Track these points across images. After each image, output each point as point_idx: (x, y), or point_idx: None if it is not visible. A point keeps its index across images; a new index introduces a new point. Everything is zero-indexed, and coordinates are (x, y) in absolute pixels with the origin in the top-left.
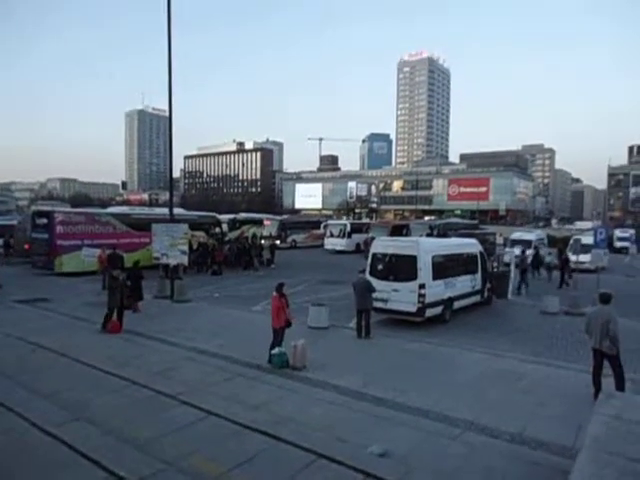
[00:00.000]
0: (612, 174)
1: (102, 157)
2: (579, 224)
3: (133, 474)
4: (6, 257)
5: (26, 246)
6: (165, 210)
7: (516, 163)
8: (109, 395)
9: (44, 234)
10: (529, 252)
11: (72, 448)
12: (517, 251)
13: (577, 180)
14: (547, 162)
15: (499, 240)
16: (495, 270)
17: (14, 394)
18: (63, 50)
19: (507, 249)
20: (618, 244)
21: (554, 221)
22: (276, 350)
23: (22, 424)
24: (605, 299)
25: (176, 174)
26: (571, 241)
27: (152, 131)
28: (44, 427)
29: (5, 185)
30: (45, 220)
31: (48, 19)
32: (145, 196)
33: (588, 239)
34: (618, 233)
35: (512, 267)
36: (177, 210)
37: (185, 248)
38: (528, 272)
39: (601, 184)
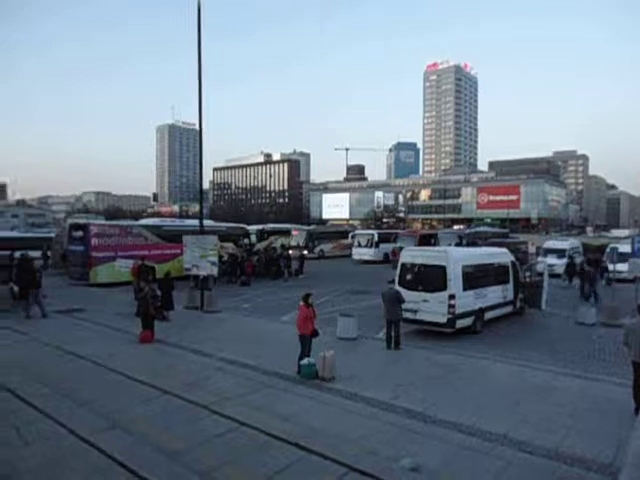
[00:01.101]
0: None
1: (134, 170)
2: (615, 232)
3: None
4: (44, 269)
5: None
6: (195, 222)
7: (547, 170)
8: (143, 404)
9: (80, 246)
10: (564, 261)
11: (109, 456)
12: (551, 260)
13: (612, 186)
14: (580, 168)
15: (531, 249)
16: (528, 280)
17: (52, 402)
18: (96, 64)
19: (540, 258)
20: None
21: (589, 229)
22: (305, 361)
23: (60, 431)
24: None
25: (205, 186)
26: (607, 249)
27: (182, 144)
28: (81, 435)
29: (43, 199)
30: (81, 233)
31: (76, 33)
32: (175, 208)
33: (625, 247)
34: None
35: (545, 277)
36: (206, 222)
37: (215, 259)
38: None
39: (638, 190)
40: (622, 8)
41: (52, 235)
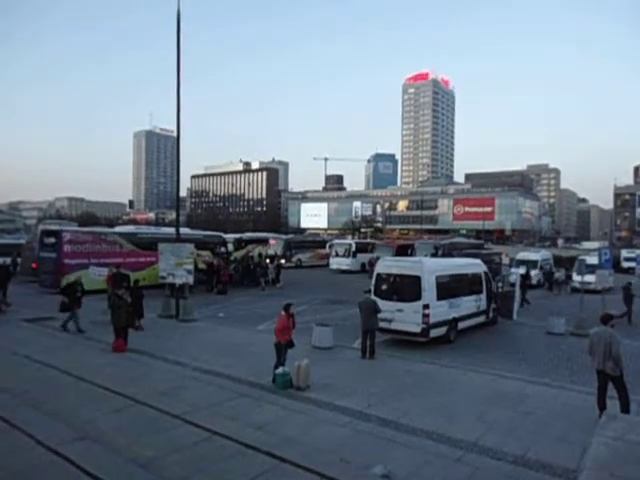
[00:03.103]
0: (618, 194)
1: (109, 176)
2: (586, 244)
3: None
4: (14, 276)
5: (33, 265)
6: (171, 229)
7: (521, 183)
8: (114, 414)
9: (52, 253)
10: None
11: (77, 466)
12: (522, 271)
13: (583, 200)
14: (552, 182)
15: (505, 260)
16: (500, 290)
17: (20, 412)
18: (72, 69)
19: (513, 269)
20: (625, 264)
21: (560, 241)
22: (280, 370)
23: (28, 442)
24: (605, 320)
25: (182, 193)
26: (576, 261)
27: (159, 151)
28: (50, 445)
29: (14, 204)
30: (53, 239)
31: (57, 37)
32: (152, 215)
33: (593, 259)
34: (625, 253)
35: (517, 287)
36: (183, 229)
37: (191, 267)
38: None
39: (608, 204)
40: (594, 27)
41: (22, 241)
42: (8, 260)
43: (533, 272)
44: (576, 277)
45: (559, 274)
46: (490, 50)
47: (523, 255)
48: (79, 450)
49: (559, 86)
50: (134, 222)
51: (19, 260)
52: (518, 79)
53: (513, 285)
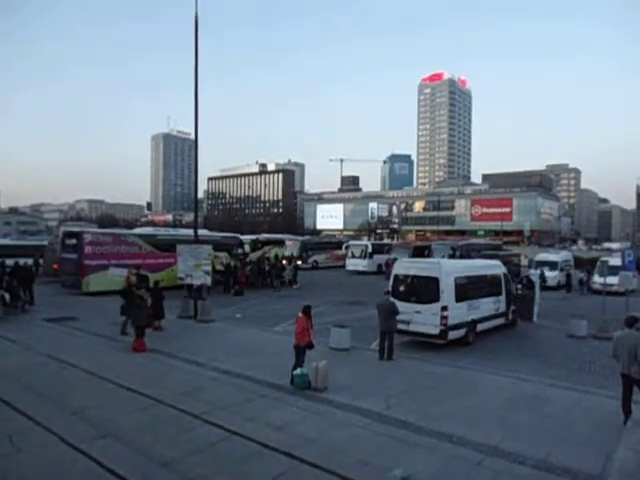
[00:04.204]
0: None
1: (128, 179)
2: (608, 245)
3: None
4: (36, 276)
5: (55, 266)
6: (189, 231)
7: (540, 183)
8: (135, 413)
9: (73, 254)
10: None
11: (100, 464)
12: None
13: (604, 200)
14: (572, 182)
15: (524, 261)
16: (519, 292)
17: (43, 410)
18: (91, 73)
19: (532, 271)
20: None
21: (580, 242)
22: (298, 371)
23: (51, 439)
24: (630, 323)
25: (200, 195)
26: (598, 263)
27: (177, 153)
28: (73, 443)
29: (35, 206)
30: (74, 240)
31: (80, 41)
32: (169, 217)
33: (616, 261)
34: None
35: (537, 288)
36: (201, 231)
37: (209, 269)
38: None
39: (630, 204)
40: (617, 26)
41: (44, 243)
42: (30, 261)
43: (553, 274)
44: (598, 279)
45: (582, 275)
46: (507, 49)
47: (543, 256)
48: (101, 448)
49: (578, 85)
50: (152, 224)
51: (41, 261)
52: (537, 78)
53: (533, 287)
